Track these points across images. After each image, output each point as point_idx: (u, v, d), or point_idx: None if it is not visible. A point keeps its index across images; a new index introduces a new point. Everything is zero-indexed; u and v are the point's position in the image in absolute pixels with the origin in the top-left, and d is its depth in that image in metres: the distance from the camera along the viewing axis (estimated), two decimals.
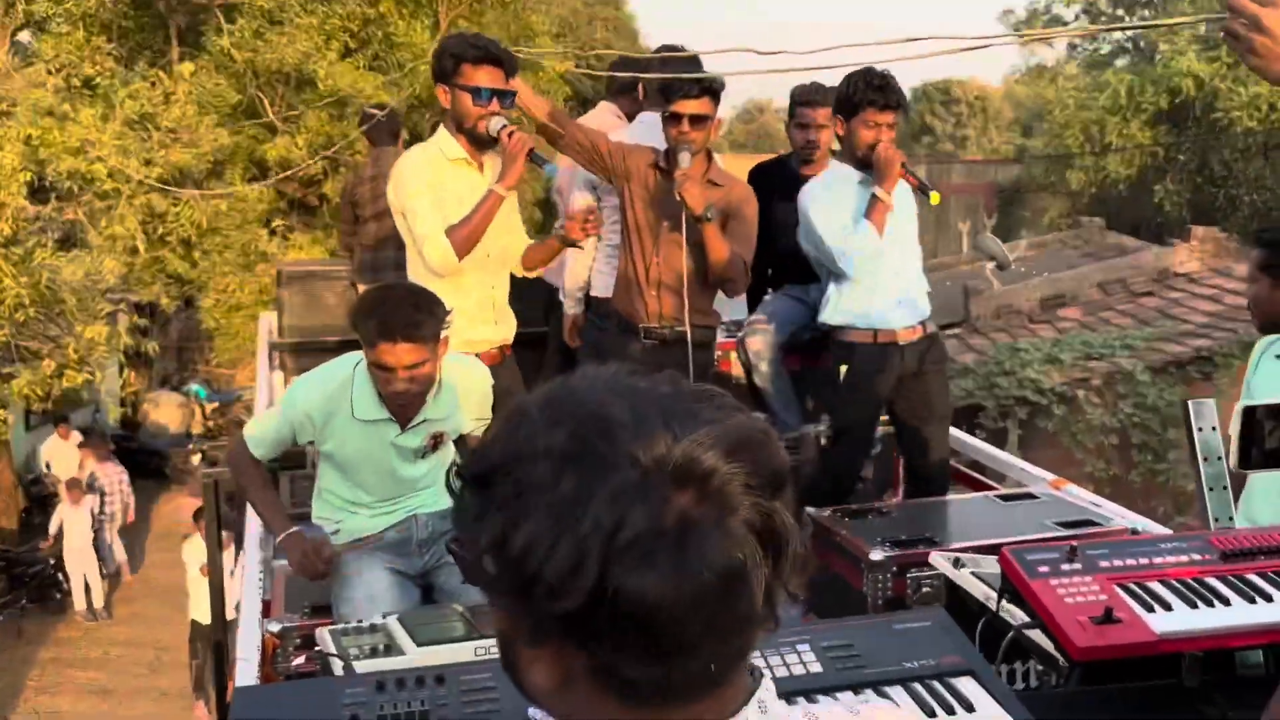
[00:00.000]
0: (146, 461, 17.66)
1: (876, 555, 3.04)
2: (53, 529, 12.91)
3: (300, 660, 2.73)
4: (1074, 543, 2.49)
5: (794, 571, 0.88)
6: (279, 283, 6.02)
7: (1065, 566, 2.41)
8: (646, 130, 4.11)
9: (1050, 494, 3.72)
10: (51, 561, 12.94)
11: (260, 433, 3.06)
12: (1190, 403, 3.05)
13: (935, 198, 3.79)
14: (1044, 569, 2.40)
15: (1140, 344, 13.87)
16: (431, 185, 3.53)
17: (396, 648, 2.39)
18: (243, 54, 10.18)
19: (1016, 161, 40.07)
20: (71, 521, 12.88)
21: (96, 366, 9.44)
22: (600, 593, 0.80)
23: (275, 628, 2.78)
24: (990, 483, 4.40)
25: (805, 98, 4.41)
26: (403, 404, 2.92)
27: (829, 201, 3.85)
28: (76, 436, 14.08)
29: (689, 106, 3.69)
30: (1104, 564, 2.44)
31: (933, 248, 36.94)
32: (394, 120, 6.10)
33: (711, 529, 0.82)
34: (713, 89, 3.74)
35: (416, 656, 2.34)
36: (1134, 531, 3.24)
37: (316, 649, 2.52)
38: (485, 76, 3.45)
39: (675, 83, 3.74)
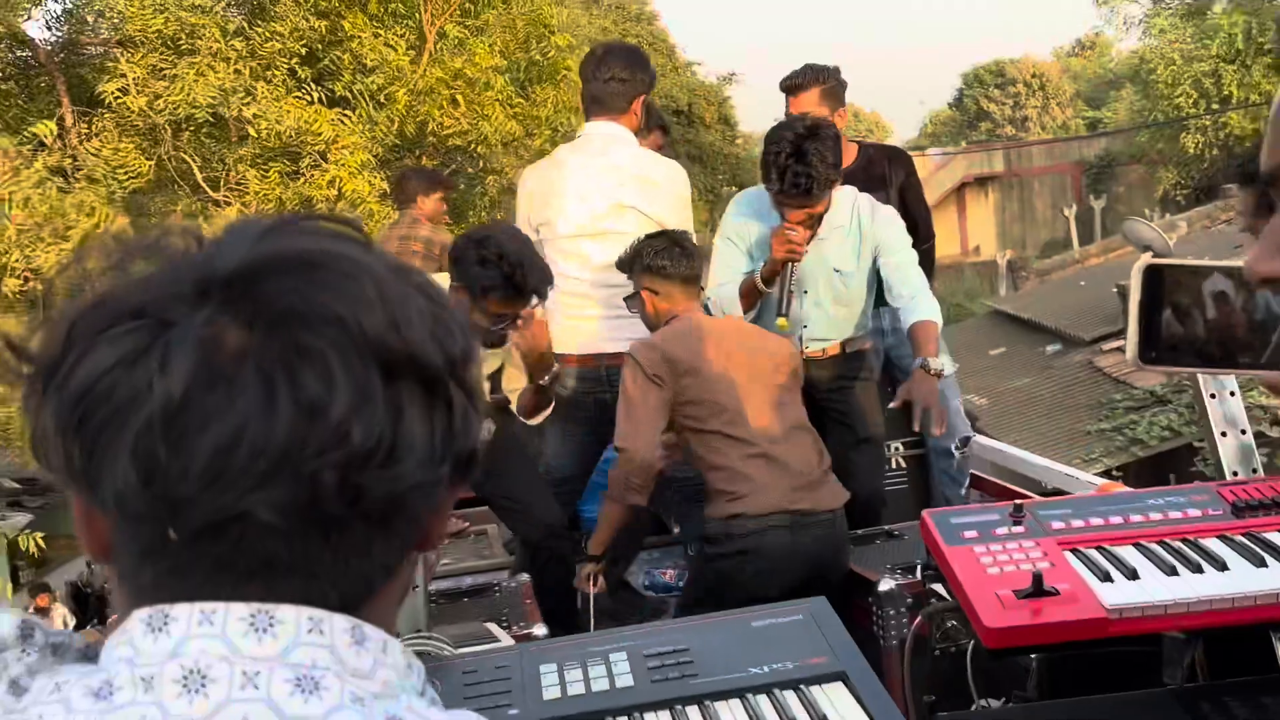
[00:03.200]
0: None
1: (886, 585, 2.60)
2: None
3: None
4: (1021, 500, 2.04)
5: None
6: None
7: (1001, 530, 1.92)
8: None
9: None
10: None
11: None
12: None
13: (782, 323, 3.40)
14: (970, 533, 1.92)
15: None
16: None
17: None
18: (139, 100, 7.18)
19: (1101, 134, 36.29)
20: None
21: None
22: (58, 367, 0.61)
23: None
24: (1026, 493, 3.69)
25: (784, 84, 4.04)
26: None
27: (732, 234, 3.58)
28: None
29: None
30: (1057, 525, 1.94)
31: (1022, 242, 33.19)
32: (416, 180, 5.58)
33: (208, 348, 0.59)
34: None
35: None
36: None
37: None
38: None
39: None
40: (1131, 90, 44.18)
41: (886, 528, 3.26)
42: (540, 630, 2.70)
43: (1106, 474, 10.97)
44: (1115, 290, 13.93)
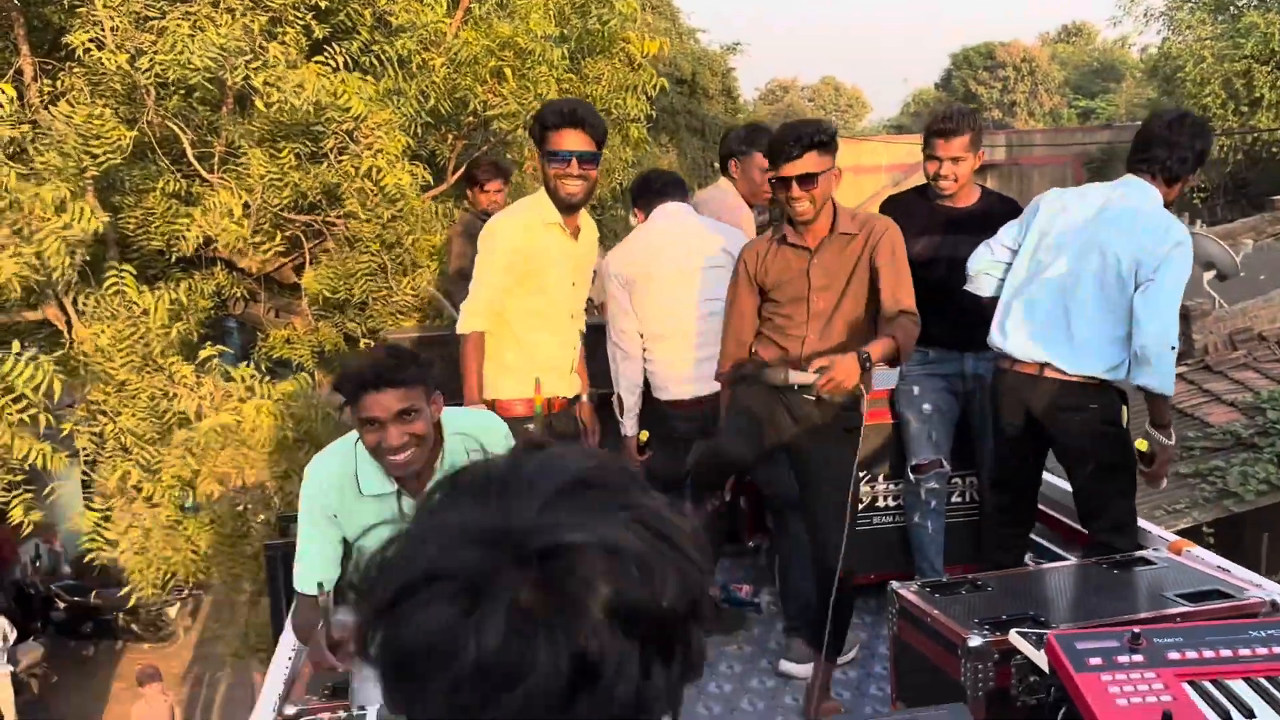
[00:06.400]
0: (101, 617, 13.34)
1: (975, 641, 2.77)
2: None
3: None
4: (1137, 628, 2.36)
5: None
6: None
7: (1123, 659, 2.22)
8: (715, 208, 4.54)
9: (1168, 559, 3.41)
10: None
11: (308, 569, 2.87)
12: None
13: None
14: (1095, 660, 2.23)
15: None
16: (519, 249, 3.83)
17: None
18: (119, 57, 5.71)
19: (1117, 126, 35.23)
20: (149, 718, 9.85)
21: None
22: (381, 615, 0.78)
23: (290, 710, 2.73)
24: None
25: (935, 127, 4.15)
26: (403, 462, 2.73)
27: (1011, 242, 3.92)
28: None
29: (794, 168, 3.40)
30: (1173, 655, 2.24)
31: None
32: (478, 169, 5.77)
33: (510, 616, 0.74)
34: (818, 140, 3.40)
35: None
36: (1275, 606, 2.93)
37: None
38: (570, 140, 3.69)
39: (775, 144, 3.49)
40: (1135, 83, 43.16)
41: (970, 576, 3.34)
42: None
43: (1196, 530, 9.90)
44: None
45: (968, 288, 3.98)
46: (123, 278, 5.70)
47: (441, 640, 0.73)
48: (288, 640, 3.27)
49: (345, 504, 2.83)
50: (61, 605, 13.35)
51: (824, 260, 3.52)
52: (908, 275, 3.55)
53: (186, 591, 13.71)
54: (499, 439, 2.94)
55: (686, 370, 4.16)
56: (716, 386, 3.92)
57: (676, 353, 4.17)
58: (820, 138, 3.35)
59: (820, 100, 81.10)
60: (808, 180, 3.36)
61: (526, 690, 0.72)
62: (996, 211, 4.16)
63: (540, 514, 0.77)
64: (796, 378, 3.42)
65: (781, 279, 3.57)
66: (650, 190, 4.50)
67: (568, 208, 3.83)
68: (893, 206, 4.35)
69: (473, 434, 2.87)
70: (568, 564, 0.75)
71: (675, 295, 4.16)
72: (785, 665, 4.05)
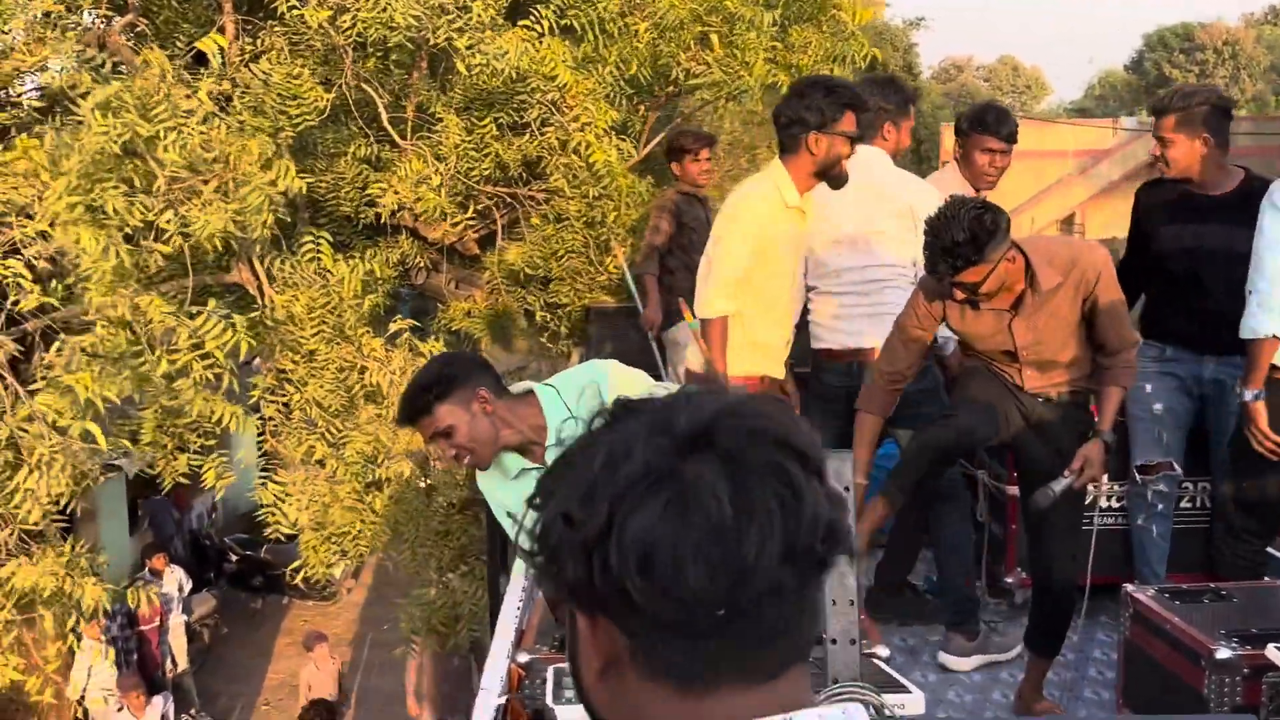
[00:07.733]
0: (270, 572, 13.63)
1: (1224, 654, 2.66)
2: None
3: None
4: None
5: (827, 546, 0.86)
6: (587, 319, 6.34)
7: None
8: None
9: None
10: None
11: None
12: None
13: None
14: None
15: None
16: (760, 234, 3.71)
17: None
18: (320, 14, 5.51)
19: None
20: (318, 681, 9.97)
21: None
22: (609, 529, 0.83)
23: (524, 659, 2.82)
24: None
25: (1152, 105, 4.12)
26: (465, 466, 3.05)
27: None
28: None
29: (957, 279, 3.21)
30: None
31: None
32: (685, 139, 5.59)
33: (720, 478, 0.84)
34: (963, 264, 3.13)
35: None
36: None
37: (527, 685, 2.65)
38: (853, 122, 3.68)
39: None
40: None
41: (1213, 586, 3.29)
42: (883, 651, 2.83)
43: None
44: None
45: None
46: (319, 244, 5.52)
47: (664, 537, 0.81)
48: (514, 594, 3.49)
49: (505, 490, 2.96)
50: (234, 558, 13.71)
51: (1026, 318, 3.30)
52: (1123, 303, 3.36)
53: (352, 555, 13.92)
54: (595, 380, 2.93)
55: (847, 324, 4.09)
56: (868, 341, 3.91)
57: (841, 308, 4.11)
58: (971, 257, 3.02)
59: (996, 80, 77.87)
60: (971, 288, 3.14)
61: (757, 543, 0.82)
62: (1256, 199, 3.71)
63: (686, 412, 0.87)
64: (1059, 488, 3.30)
65: (982, 333, 3.39)
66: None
67: None
68: (1147, 191, 4.25)
69: (565, 384, 2.93)
70: (732, 427, 0.85)
71: (852, 254, 4.04)
72: (944, 658, 3.94)
